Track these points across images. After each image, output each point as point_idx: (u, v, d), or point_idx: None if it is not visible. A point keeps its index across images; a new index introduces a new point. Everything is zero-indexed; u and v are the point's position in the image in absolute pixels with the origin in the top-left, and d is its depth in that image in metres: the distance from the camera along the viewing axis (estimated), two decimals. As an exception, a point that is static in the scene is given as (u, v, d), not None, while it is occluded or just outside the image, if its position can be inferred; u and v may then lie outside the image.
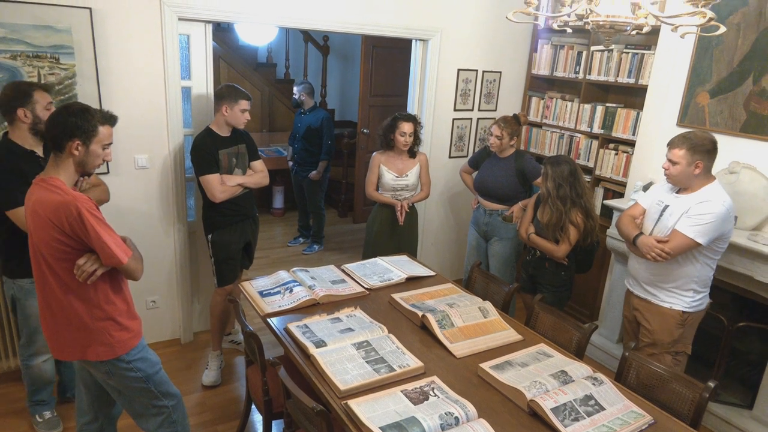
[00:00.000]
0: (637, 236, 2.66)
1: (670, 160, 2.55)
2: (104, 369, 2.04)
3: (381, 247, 3.58)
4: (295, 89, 5.18)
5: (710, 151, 2.47)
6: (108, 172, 3.16)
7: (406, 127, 3.46)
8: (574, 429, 1.83)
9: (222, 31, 6.11)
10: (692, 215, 2.48)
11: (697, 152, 2.46)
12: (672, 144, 2.55)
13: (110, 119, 1.97)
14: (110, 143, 1.98)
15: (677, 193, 2.62)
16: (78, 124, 1.85)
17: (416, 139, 3.57)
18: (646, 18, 1.85)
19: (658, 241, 2.54)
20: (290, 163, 5.41)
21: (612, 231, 3.59)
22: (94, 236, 1.83)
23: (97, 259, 1.89)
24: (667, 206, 2.63)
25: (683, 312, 2.64)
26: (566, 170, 2.96)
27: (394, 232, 3.62)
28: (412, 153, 3.61)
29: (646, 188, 3.50)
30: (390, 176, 3.56)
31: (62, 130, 1.85)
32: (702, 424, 2.09)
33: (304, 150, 5.14)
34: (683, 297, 2.64)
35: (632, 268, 2.81)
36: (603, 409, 1.94)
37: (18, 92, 2.40)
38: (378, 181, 3.61)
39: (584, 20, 1.91)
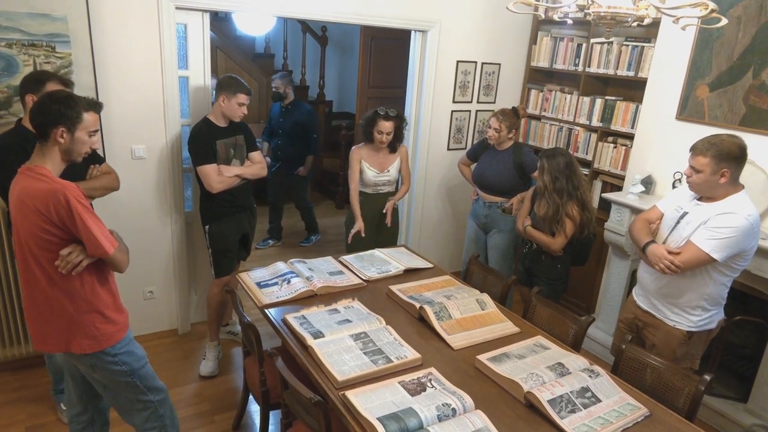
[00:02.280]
0: (647, 244, 2.44)
1: (692, 167, 2.30)
2: (89, 362, 2.00)
3: (361, 245, 3.41)
4: (276, 81, 4.84)
5: (738, 158, 2.23)
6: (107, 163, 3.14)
7: (385, 126, 3.29)
8: (570, 421, 1.83)
9: (219, 21, 6.07)
10: (711, 227, 2.25)
11: (723, 160, 2.21)
12: (695, 149, 2.29)
13: (95, 106, 1.95)
14: (97, 130, 1.96)
15: (699, 200, 2.39)
16: (62, 111, 1.82)
17: (397, 137, 3.41)
18: (647, 9, 1.84)
19: (670, 252, 2.34)
20: (268, 159, 4.83)
21: (610, 224, 3.59)
22: (81, 225, 1.80)
23: (82, 250, 1.86)
24: (685, 213, 2.40)
25: (687, 332, 2.45)
26: (562, 162, 2.96)
27: (374, 229, 3.49)
28: (393, 148, 3.46)
29: (644, 182, 3.50)
30: (372, 173, 3.43)
31: (46, 117, 1.82)
32: (697, 417, 2.10)
33: (291, 146, 4.92)
34: (690, 316, 2.43)
35: (640, 277, 2.63)
36: (599, 401, 1.95)
37: (32, 79, 2.40)
38: (359, 177, 3.47)
39: (585, 11, 1.90)
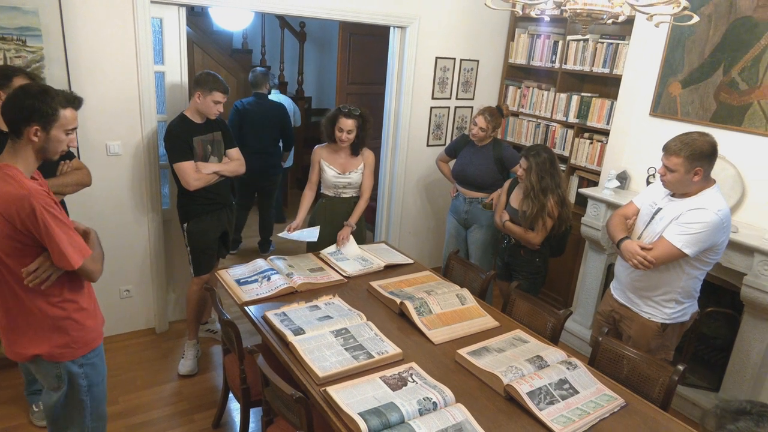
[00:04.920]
0: (621, 240, 2.50)
1: (666, 167, 2.33)
2: (55, 372, 1.89)
3: (325, 247, 3.23)
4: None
5: (710, 155, 2.28)
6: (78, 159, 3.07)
7: (346, 123, 3.09)
8: (549, 412, 1.86)
9: (196, 16, 5.98)
10: (682, 223, 2.31)
11: (696, 159, 2.25)
12: (668, 149, 2.32)
13: (74, 101, 1.80)
14: (74, 128, 1.81)
15: (672, 196, 2.43)
16: (36, 107, 1.68)
17: (360, 138, 3.18)
18: (621, 7, 1.87)
19: (643, 248, 2.39)
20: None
21: (586, 219, 3.65)
22: (46, 235, 1.69)
23: (51, 265, 1.75)
24: (659, 209, 2.46)
25: (662, 324, 2.51)
26: (547, 160, 2.98)
27: (335, 234, 3.25)
28: (356, 151, 3.24)
29: (619, 177, 3.56)
30: (332, 173, 3.22)
31: (18, 113, 1.68)
32: (671, 406, 2.15)
33: None
34: (663, 309, 2.49)
35: (616, 271, 2.68)
36: (577, 392, 1.99)
37: None
38: (320, 177, 3.30)
39: (562, 8, 1.92)
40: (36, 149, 1.75)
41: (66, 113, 1.76)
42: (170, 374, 3.23)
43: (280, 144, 4.74)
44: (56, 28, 2.83)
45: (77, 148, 3.03)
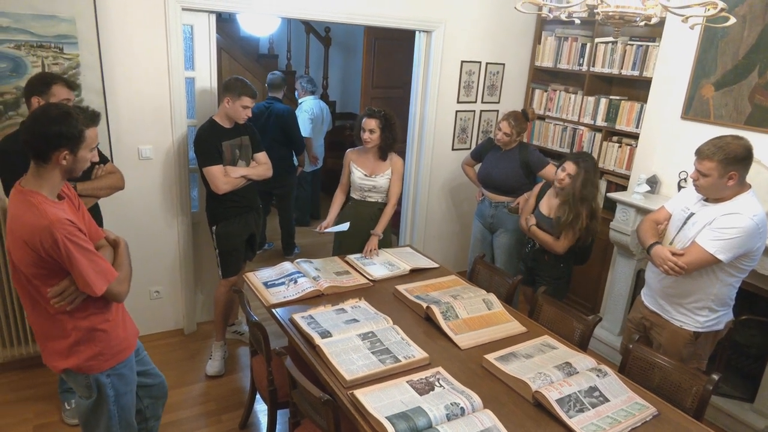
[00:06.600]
0: (652, 245, 2.44)
1: (699, 171, 2.28)
2: (85, 383, 1.94)
3: (350, 249, 3.28)
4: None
5: (745, 159, 2.22)
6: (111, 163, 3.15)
7: (367, 123, 3.16)
8: (578, 420, 1.84)
9: (223, 22, 6.08)
10: (715, 228, 2.25)
11: (730, 164, 2.19)
12: (701, 154, 2.26)
13: (94, 119, 1.82)
14: (98, 143, 1.85)
15: (706, 201, 2.37)
16: (63, 132, 1.69)
17: (385, 140, 3.21)
18: (654, 9, 1.84)
19: (674, 254, 2.33)
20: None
21: (615, 224, 3.59)
22: (69, 264, 1.72)
23: (75, 290, 1.78)
24: (692, 214, 2.40)
25: (694, 332, 2.44)
26: (591, 168, 2.94)
27: (360, 238, 3.28)
28: (384, 155, 3.27)
29: (650, 182, 3.50)
30: (359, 174, 3.28)
31: (46, 141, 1.69)
32: (704, 417, 2.10)
33: None
34: (696, 317, 2.43)
35: (647, 277, 2.63)
36: (607, 400, 1.95)
37: (38, 81, 2.40)
38: (349, 179, 3.37)
39: (594, 11, 1.90)
40: (63, 171, 1.78)
41: (90, 133, 1.79)
42: (198, 375, 3.27)
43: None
44: (92, 36, 2.91)
45: (110, 153, 3.11)
